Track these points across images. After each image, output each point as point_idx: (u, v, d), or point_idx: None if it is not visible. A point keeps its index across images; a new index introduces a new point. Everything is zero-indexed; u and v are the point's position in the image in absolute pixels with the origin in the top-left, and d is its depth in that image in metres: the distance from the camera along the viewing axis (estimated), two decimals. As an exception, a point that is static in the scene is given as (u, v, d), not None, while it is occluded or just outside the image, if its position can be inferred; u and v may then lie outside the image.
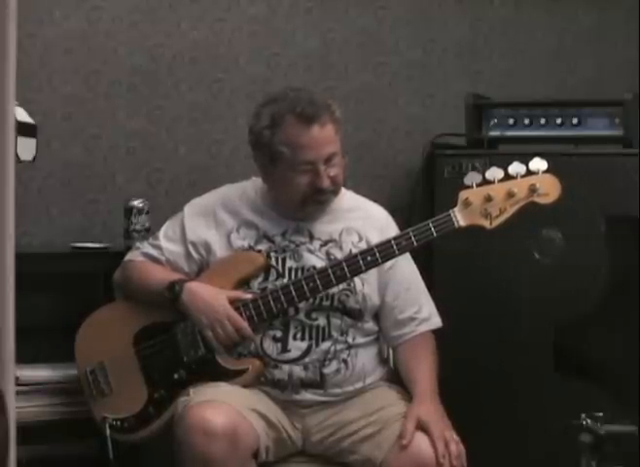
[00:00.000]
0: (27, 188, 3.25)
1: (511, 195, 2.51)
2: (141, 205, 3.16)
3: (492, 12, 3.88)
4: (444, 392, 2.71)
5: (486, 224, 2.53)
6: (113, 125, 3.41)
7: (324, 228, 2.69)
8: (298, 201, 2.62)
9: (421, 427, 2.51)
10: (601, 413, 2.53)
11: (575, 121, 3.32)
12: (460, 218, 2.54)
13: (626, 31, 3.91)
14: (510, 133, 3.39)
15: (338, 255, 2.65)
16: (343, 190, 2.75)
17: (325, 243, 2.67)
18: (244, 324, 2.58)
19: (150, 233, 3.11)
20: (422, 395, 2.60)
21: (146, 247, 2.78)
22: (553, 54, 3.94)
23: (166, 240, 2.75)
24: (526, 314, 3.21)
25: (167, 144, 3.48)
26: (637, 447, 2.50)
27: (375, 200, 2.85)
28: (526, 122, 3.38)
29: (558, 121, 3.34)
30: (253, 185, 2.77)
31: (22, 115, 2.24)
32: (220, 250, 2.68)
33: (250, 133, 2.67)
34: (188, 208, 2.77)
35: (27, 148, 2.23)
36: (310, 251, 2.66)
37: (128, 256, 2.82)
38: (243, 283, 2.65)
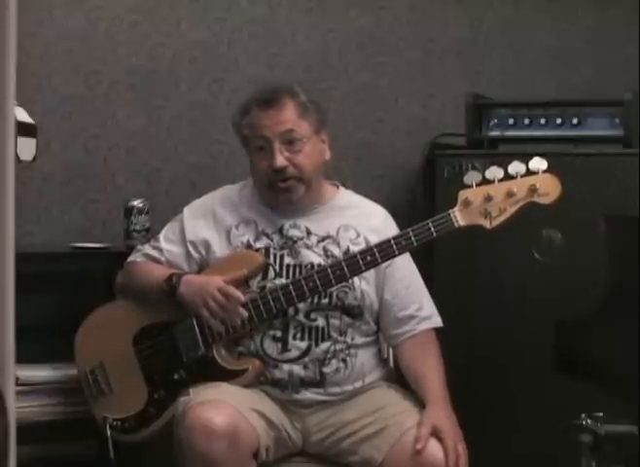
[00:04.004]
0: (27, 188, 3.25)
1: (511, 194, 2.50)
2: (141, 205, 3.16)
3: (492, 12, 3.88)
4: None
5: (486, 224, 2.52)
6: (113, 125, 3.41)
7: (320, 224, 2.69)
8: (265, 187, 2.66)
9: (435, 434, 2.51)
10: (601, 413, 2.53)
11: (575, 121, 3.32)
12: (460, 218, 2.52)
13: (626, 31, 3.91)
14: (510, 133, 3.39)
15: (336, 251, 2.65)
16: (341, 188, 2.77)
17: (322, 239, 2.67)
18: (233, 289, 2.57)
19: (150, 232, 3.12)
20: (436, 401, 2.59)
21: (147, 249, 2.79)
22: (553, 54, 3.94)
23: (166, 242, 2.75)
24: (526, 314, 3.21)
25: (167, 144, 3.49)
26: (637, 447, 2.50)
27: (375, 200, 2.84)
28: (526, 122, 3.38)
29: (558, 121, 3.34)
30: (250, 183, 2.78)
31: (22, 115, 2.24)
32: (219, 248, 2.68)
33: None
34: (187, 210, 2.78)
35: (27, 148, 2.23)
36: (308, 247, 2.66)
37: (130, 258, 2.82)
38: (242, 282, 2.65)
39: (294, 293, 2.56)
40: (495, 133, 3.40)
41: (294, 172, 2.62)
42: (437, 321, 2.73)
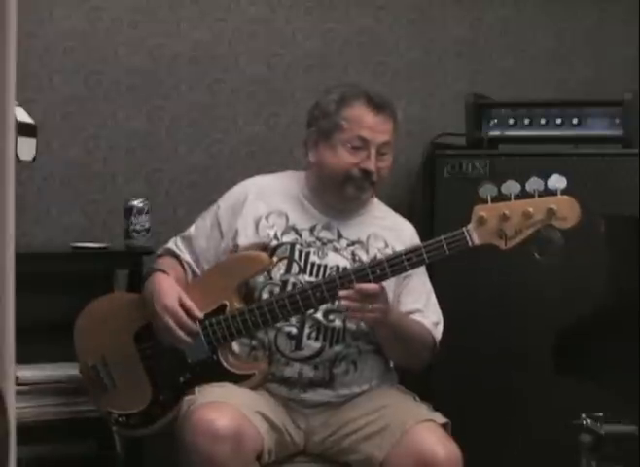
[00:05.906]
0: (27, 188, 3.25)
1: (527, 216, 2.42)
2: (141, 205, 3.16)
3: (492, 12, 3.88)
4: (444, 391, 2.70)
5: (501, 244, 2.46)
6: (113, 126, 3.41)
7: (352, 229, 2.69)
8: (340, 179, 2.63)
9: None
10: (601, 413, 2.53)
11: (575, 121, 3.32)
12: (475, 237, 2.47)
13: (626, 31, 3.91)
14: (510, 133, 3.40)
15: (364, 257, 2.64)
16: (375, 198, 2.78)
17: (352, 243, 2.67)
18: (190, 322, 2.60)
19: (150, 232, 3.12)
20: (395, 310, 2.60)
21: (172, 242, 2.81)
22: (553, 54, 3.94)
23: (195, 236, 2.77)
24: (526, 314, 3.21)
25: (167, 144, 3.49)
26: (637, 447, 2.50)
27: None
28: (526, 122, 3.38)
29: (558, 121, 3.34)
30: (292, 175, 2.79)
31: (22, 115, 2.24)
32: (246, 236, 2.67)
33: (314, 107, 2.72)
34: (222, 202, 2.76)
35: (27, 148, 2.23)
36: (336, 250, 2.66)
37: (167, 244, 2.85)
38: (247, 284, 2.64)
39: (301, 303, 2.55)
40: (495, 133, 3.40)
41: (376, 179, 2.64)
42: (435, 332, 2.70)
